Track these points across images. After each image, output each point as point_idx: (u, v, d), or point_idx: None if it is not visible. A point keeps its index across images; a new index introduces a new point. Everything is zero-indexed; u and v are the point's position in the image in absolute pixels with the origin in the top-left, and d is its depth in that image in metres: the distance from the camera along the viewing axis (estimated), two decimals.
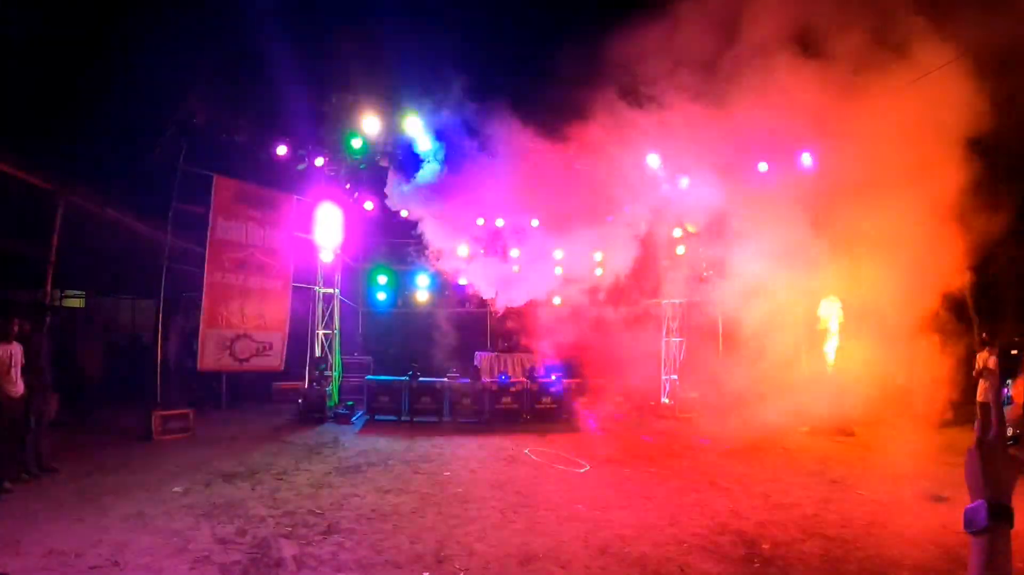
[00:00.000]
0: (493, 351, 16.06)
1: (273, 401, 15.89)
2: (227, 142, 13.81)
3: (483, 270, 15.21)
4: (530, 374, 13.91)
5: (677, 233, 15.82)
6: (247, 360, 13.27)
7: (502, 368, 14.92)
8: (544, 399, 13.85)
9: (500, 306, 15.40)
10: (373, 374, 16.18)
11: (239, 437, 11.51)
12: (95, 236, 14.05)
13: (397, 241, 18.44)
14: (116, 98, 13.57)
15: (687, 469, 9.77)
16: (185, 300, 14.05)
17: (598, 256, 18.81)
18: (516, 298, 15.11)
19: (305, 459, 9.79)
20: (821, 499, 7.94)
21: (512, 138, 13.09)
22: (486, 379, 13.77)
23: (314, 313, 14.60)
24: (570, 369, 15.32)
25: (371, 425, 13.18)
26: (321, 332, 14.60)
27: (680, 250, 15.93)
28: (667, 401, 15.88)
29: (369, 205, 17.58)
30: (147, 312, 18.10)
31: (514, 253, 15.60)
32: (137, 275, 16.19)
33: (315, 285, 14.58)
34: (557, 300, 18.55)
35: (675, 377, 15.83)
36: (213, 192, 13.09)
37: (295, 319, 14.30)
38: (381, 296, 18.00)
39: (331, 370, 14.45)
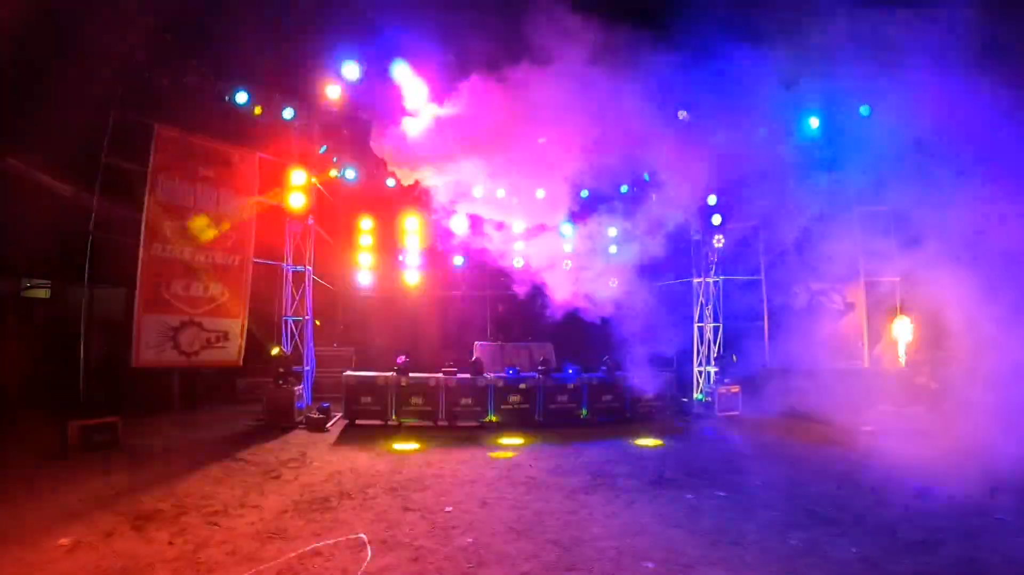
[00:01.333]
0: (495, 340, 13.60)
1: (239, 401, 13.41)
2: (174, 86, 11.24)
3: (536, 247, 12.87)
4: (543, 367, 11.48)
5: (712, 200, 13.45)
6: (196, 354, 10.76)
7: (507, 360, 12.50)
8: (560, 397, 11.45)
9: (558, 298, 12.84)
10: (355, 368, 13.77)
11: (181, 452, 9.05)
12: (21, 205, 11.45)
13: (384, 213, 15.93)
14: (35, 29, 10.94)
15: (767, 488, 7.43)
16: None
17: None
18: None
19: (257, 488, 7.34)
20: None
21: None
22: (490, 374, 11.34)
23: (282, 296, 12.10)
24: (587, 360, 12.97)
25: (350, 432, 10.75)
26: (291, 319, 12.10)
27: (716, 220, 13.51)
28: (701, 397, 13.54)
29: (351, 173, 15.17)
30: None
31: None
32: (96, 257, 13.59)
33: (283, 262, 12.06)
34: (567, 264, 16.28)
35: (714, 368, 13.47)
36: (154, 145, 10.55)
37: (258, 303, 11.81)
38: (364, 278, 15.50)
39: (303, 365, 11.98)
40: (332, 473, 8.00)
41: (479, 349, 13.12)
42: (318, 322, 14.73)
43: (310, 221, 12.24)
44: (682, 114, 12.04)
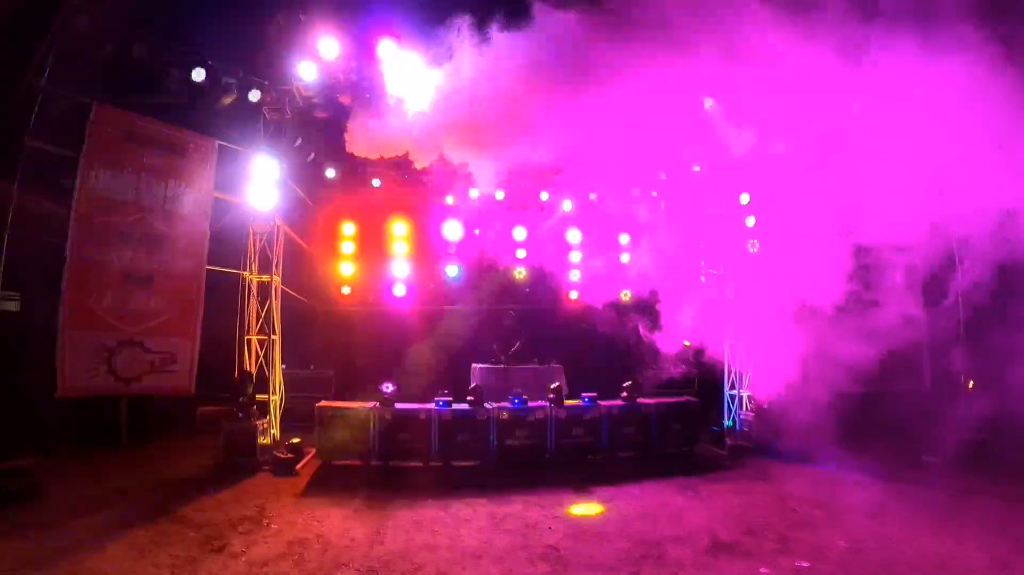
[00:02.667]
0: (496, 362, 11.73)
1: (200, 431, 11.43)
2: (118, 59, 9.45)
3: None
4: (554, 395, 9.64)
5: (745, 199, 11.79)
6: (136, 379, 8.88)
7: (511, 385, 10.62)
8: (575, 430, 9.61)
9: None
10: (334, 394, 11.91)
11: (110, 505, 7.17)
12: None
13: (367, 218, 14.12)
14: None
15: (856, 553, 5.65)
16: None
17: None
18: None
19: (190, 567, 5.45)
20: None
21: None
22: (491, 404, 9.50)
23: (245, 311, 10.22)
24: (602, 384, 11.21)
25: (324, 476, 8.87)
26: (255, 338, 10.22)
27: (750, 222, 11.82)
28: (730, 423, 11.76)
29: (331, 171, 13.38)
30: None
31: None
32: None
33: (245, 270, 10.19)
34: (574, 294, 14.53)
35: (746, 393, 11.69)
36: (90, 126, 8.73)
37: (215, 318, 9.95)
38: (345, 290, 13.66)
39: (269, 392, 10.10)
40: (293, 542, 6.11)
41: (478, 373, 11.26)
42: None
43: (278, 221, 10.37)
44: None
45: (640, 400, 10.27)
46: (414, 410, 9.16)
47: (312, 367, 12.77)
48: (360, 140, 9.53)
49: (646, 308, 14.53)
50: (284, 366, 11.95)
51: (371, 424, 9.05)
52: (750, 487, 8.68)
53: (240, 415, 9.26)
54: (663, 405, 10.32)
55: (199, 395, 9.94)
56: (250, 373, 9.78)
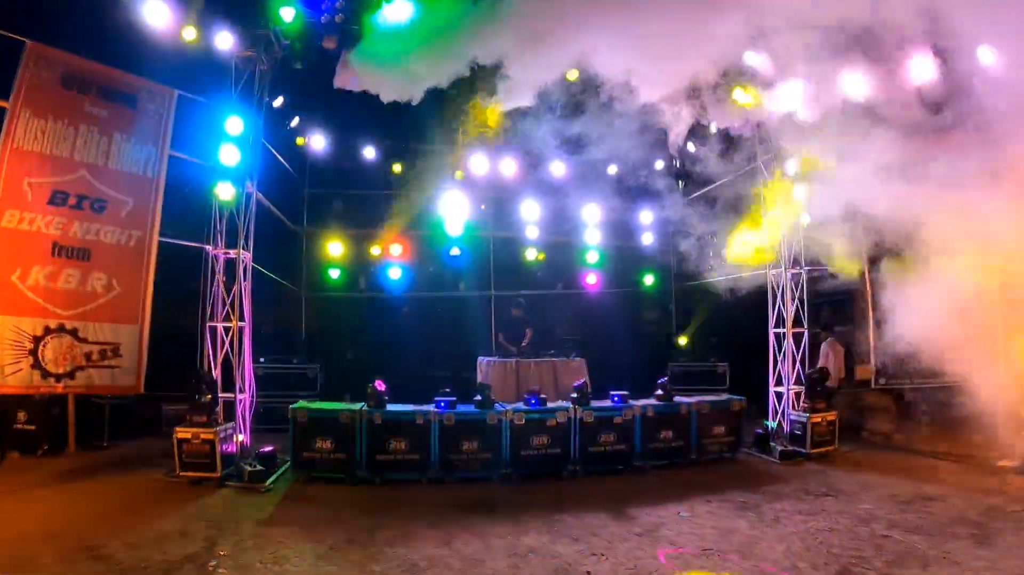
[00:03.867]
0: (506, 355, 10.10)
1: (165, 434, 9.82)
2: None
3: None
4: (578, 394, 8.03)
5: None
6: (70, 375, 7.28)
7: (524, 383, 9.05)
8: (604, 436, 8.01)
9: None
10: (320, 392, 10.35)
11: (19, 537, 5.54)
12: None
13: (359, 193, 12.50)
14: None
15: None
16: None
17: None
18: None
19: None
20: None
21: None
22: (503, 405, 7.89)
23: (208, 293, 8.59)
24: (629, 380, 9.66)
25: (299, 494, 7.25)
26: (221, 325, 8.58)
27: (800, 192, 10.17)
28: (771, 425, 10.15)
29: (320, 142, 11.77)
30: None
31: None
32: None
33: (208, 243, 8.55)
34: (592, 278, 12.92)
35: (799, 389, 10.07)
36: (21, 68, 7.12)
37: (172, 301, 8.35)
38: (334, 273, 12.04)
39: (236, 391, 8.47)
40: None
41: (485, 368, 9.62)
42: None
43: (251, 188, 8.73)
44: None
45: (677, 398, 8.69)
46: (409, 413, 7.53)
47: (295, 361, 11.15)
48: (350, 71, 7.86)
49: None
50: (262, 360, 10.45)
51: (357, 430, 7.44)
52: (820, 505, 7.08)
53: (198, 419, 7.64)
54: (705, 404, 8.73)
55: (150, 395, 8.32)
56: (207, 370, 8.12)
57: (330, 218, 12.35)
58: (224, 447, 7.77)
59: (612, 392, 8.34)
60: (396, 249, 11.79)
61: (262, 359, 10.59)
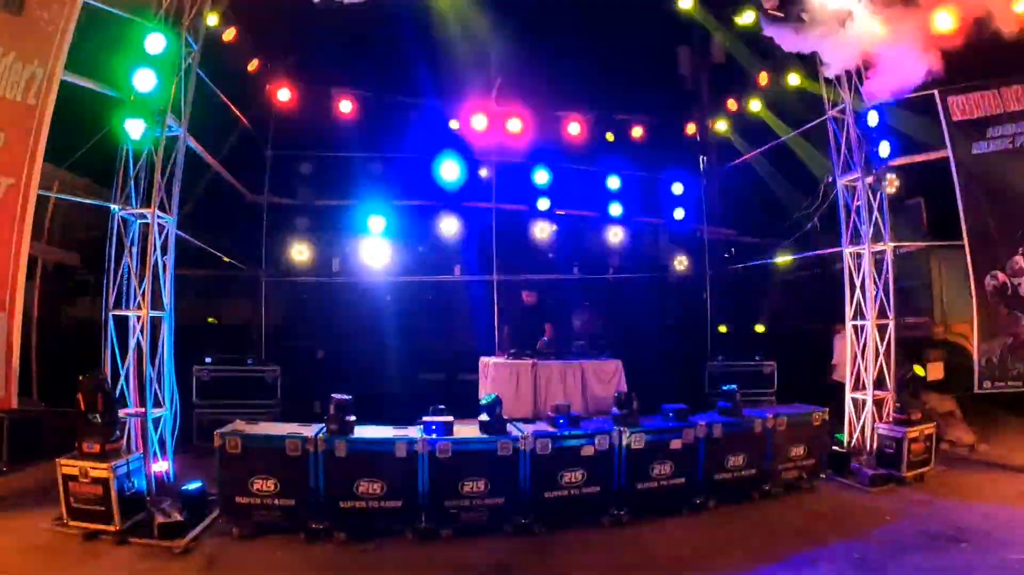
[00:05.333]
0: (518, 356, 7.70)
1: None
2: None
3: None
4: (623, 411, 5.77)
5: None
6: None
7: (544, 395, 6.79)
8: (658, 466, 5.77)
9: None
10: (280, 401, 8.25)
11: None
12: None
13: (333, 155, 10.23)
14: None
15: None
16: None
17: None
18: None
19: None
20: None
21: None
22: (520, 426, 5.65)
23: (112, 269, 6.31)
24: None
25: (230, 555, 5.02)
26: (133, 314, 6.29)
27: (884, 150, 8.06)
28: (841, 437, 8.05)
29: (287, 94, 9.61)
30: None
31: None
32: None
33: (117, 202, 6.25)
34: (614, 261, 10.72)
35: (888, 396, 7.95)
36: None
37: (63, 280, 6.07)
38: (300, 253, 9.74)
39: (145, 405, 6.19)
40: None
41: (491, 372, 7.22)
42: (213, 320, 9.11)
43: (176, 129, 6.46)
44: None
45: (748, 412, 6.54)
46: (387, 442, 5.22)
47: (249, 362, 8.89)
48: None
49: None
50: (208, 361, 8.34)
51: (312, 466, 5.17)
52: (958, 557, 5.14)
53: (89, 447, 5.38)
54: (782, 419, 6.55)
55: (25, 410, 6.08)
56: (102, 378, 5.82)
57: (298, 185, 10.06)
58: (129, 486, 5.52)
59: (666, 406, 6.12)
60: (378, 223, 9.51)
61: (208, 360, 8.50)
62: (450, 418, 5.32)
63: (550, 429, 5.55)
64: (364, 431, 5.34)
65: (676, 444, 5.83)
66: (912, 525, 5.88)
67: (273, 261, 9.73)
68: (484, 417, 5.40)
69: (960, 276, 9.36)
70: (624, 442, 5.55)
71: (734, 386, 6.54)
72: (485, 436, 5.34)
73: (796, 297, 11.79)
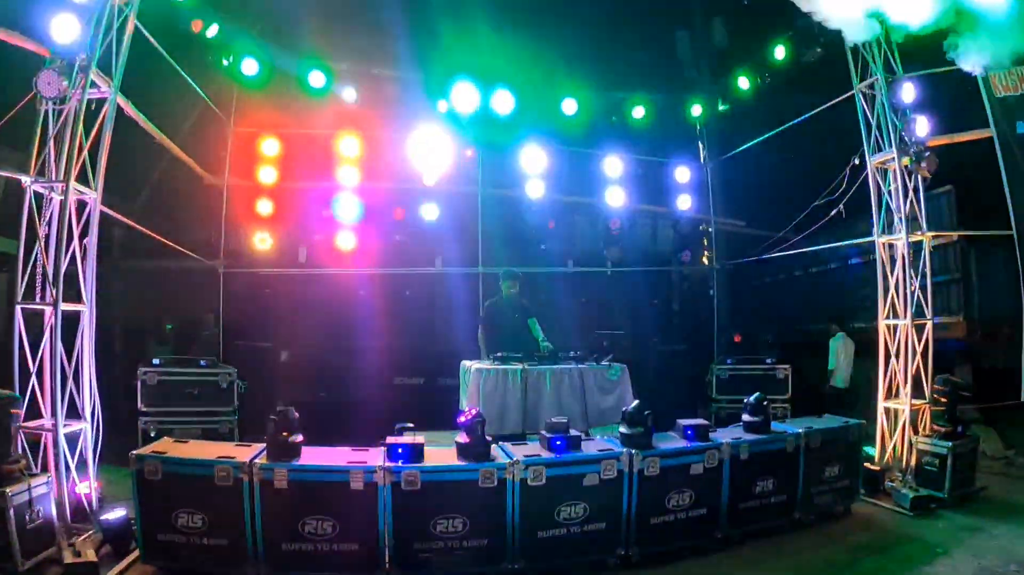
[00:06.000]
0: (504, 360, 6.54)
1: None
2: None
3: None
4: (633, 428, 4.73)
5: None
6: None
7: (539, 404, 5.73)
8: (676, 495, 4.76)
9: None
10: (237, 409, 7.32)
11: None
12: None
13: (301, 132, 9.16)
14: None
15: None
16: None
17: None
18: None
19: None
20: None
21: None
22: (507, 450, 4.62)
23: (29, 256, 5.25)
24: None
25: None
26: (47, 308, 5.22)
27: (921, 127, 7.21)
28: (871, 452, 7.16)
29: (251, 66, 8.63)
30: None
31: None
32: None
33: (31, 174, 5.17)
34: (614, 253, 9.74)
35: (926, 405, 7.04)
36: None
37: None
38: (262, 240, 8.66)
39: (54, 416, 5.12)
40: None
41: (475, 379, 5.98)
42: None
43: (104, 86, 5.40)
44: None
45: (778, 427, 5.57)
46: (338, 471, 4.13)
47: (203, 364, 7.82)
48: None
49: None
50: (155, 362, 7.40)
51: (247, 499, 4.12)
52: None
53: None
54: (816, 435, 5.57)
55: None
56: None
57: (263, 166, 8.97)
58: (33, 516, 4.47)
59: (682, 422, 5.11)
60: (350, 208, 8.46)
61: (156, 361, 7.44)
62: (420, 439, 4.26)
63: (544, 453, 4.50)
64: (314, 455, 4.29)
65: (697, 469, 4.82)
66: (968, 559, 4.99)
67: (232, 251, 8.65)
68: (462, 438, 4.35)
69: (999, 271, 8.55)
70: (636, 468, 4.53)
71: (760, 395, 5.55)
72: (463, 464, 4.27)
73: (802, 293, 11.03)
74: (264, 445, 4.37)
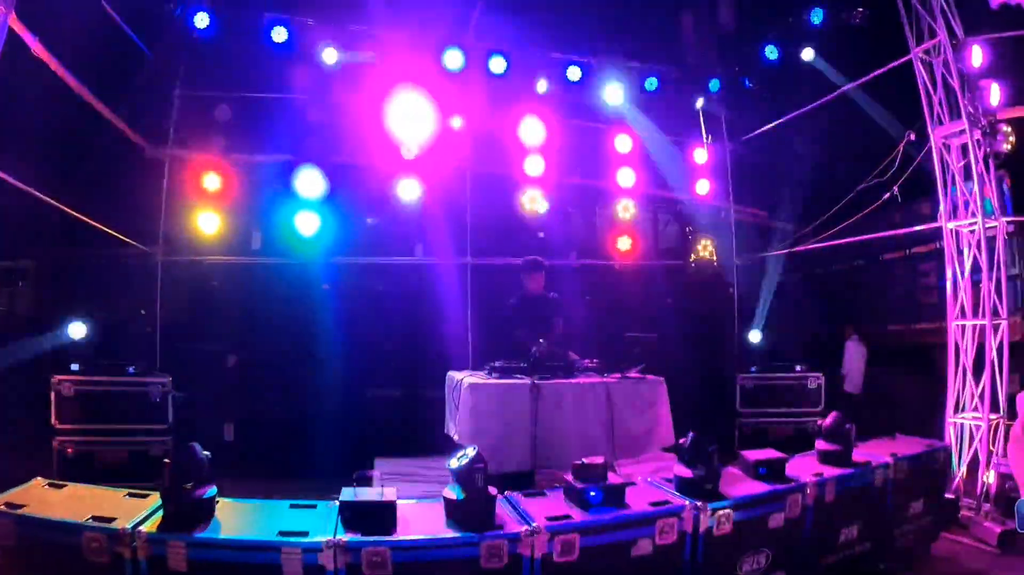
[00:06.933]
0: (504, 372, 5.00)
1: None
2: None
3: None
4: (703, 469, 3.35)
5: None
6: None
7: (554, 430, 4.32)
8: (751, 559, 3.41)
9: None
10: (173, 426, 6.06)
11: None
12: None
13: (260, 97, 7.76)
14: None
15: None
16: None
17: None
18: None
19: None
20: None
21: None
22: (517, 506, 3.24)
23: None
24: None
25: None
26: None
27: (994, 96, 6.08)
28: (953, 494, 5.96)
29: (204, 19, 7.42)
30: None
31: None
32: None
33: None
34: (625, 243, 8.47)
35: (985, 418, 5.87)
36: None
37: None
38: (209, 224, 7.22)
39: None
40: None
41: (466, 397, 4.50)
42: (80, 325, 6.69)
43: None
44: None
45: (860, 455, 4.29)
46: (265, 545, 2.69)
47: (131, 371, 6.39)
48: None
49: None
50: (74, 368, 6.12)
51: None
52: None
53: None
54: (902, 465, 4.31)
55: None
56: None
57: (213, 135, 7.56)
58: None
59: (748, 454, 3.80)
60: (314, 186, 7.07)
61: (74, 367, 6.11)
62: (391, 494, 2.86)
63: (574, 510, 3.11)
64: (234, 516, 2.89)
65: (777, 520, 3.50)
66: None
67: (173, 235, 7.23)
68: (453, 493, 2.92)
69: None
70: (703, 526, 3.18)
71: (841, 415, 4.27)
72: (456, 536, 2.84)
73: (829, 292, 9.95)
74: (154, 508, 2.96)
